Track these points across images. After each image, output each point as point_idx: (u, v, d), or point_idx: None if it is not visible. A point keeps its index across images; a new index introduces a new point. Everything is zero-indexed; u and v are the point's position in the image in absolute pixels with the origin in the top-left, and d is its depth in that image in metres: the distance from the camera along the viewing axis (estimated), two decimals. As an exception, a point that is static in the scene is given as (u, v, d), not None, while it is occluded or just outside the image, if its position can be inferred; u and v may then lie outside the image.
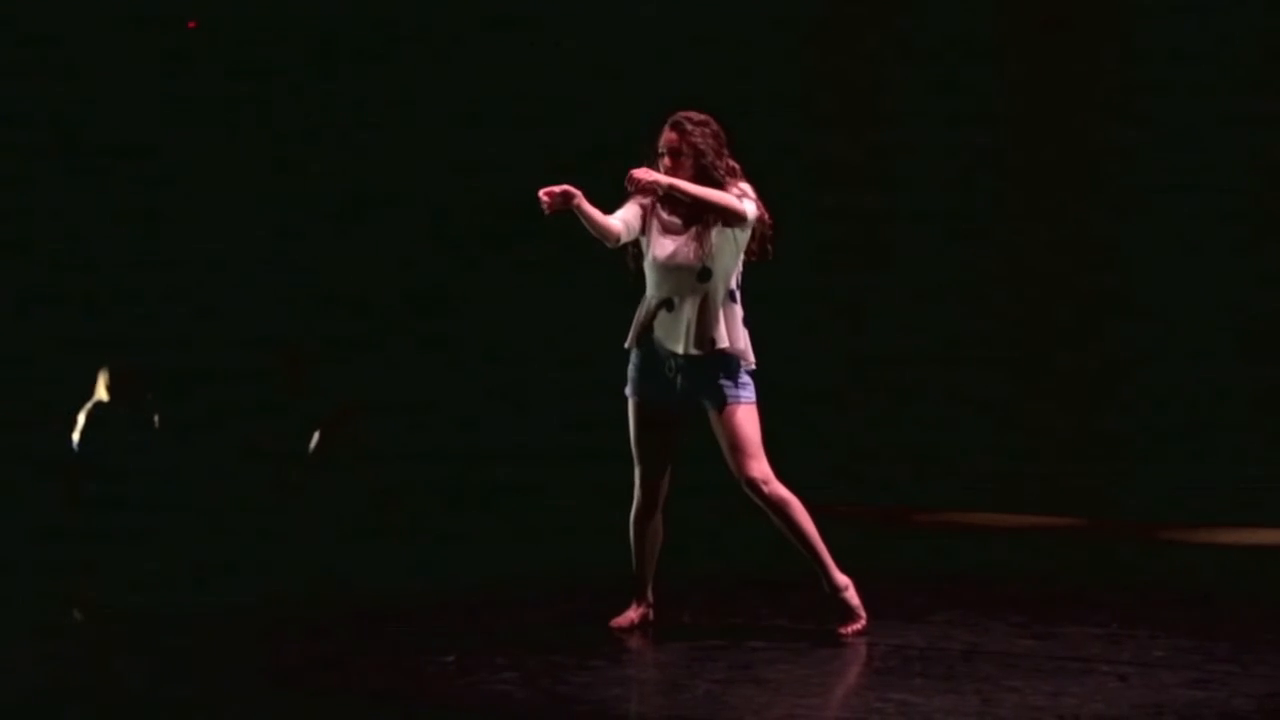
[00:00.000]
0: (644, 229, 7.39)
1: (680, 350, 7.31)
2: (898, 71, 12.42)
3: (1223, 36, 11.58)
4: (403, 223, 13.05)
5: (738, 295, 7.37)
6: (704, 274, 7.31)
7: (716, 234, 7.30)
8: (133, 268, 12.73)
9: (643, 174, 7.21)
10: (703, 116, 7.38)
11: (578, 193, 7.20)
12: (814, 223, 12.32)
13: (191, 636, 7.58)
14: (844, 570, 7.47)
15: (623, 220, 7.37)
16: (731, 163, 7.39)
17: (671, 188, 7.23)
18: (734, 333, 7.33)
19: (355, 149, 13.03)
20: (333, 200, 13.10)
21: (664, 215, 7.37)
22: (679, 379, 7.35)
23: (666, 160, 7.34)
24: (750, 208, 7.28)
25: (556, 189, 7.18)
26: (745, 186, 7.35)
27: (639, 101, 12.15)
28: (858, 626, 7.42)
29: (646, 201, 7.38)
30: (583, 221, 7.27)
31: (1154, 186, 11.76)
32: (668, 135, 7.36)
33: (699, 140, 7.31)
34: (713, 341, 7.29)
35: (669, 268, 7.33)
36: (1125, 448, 11.80)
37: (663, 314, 7.36)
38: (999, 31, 12.19)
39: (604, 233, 7.31)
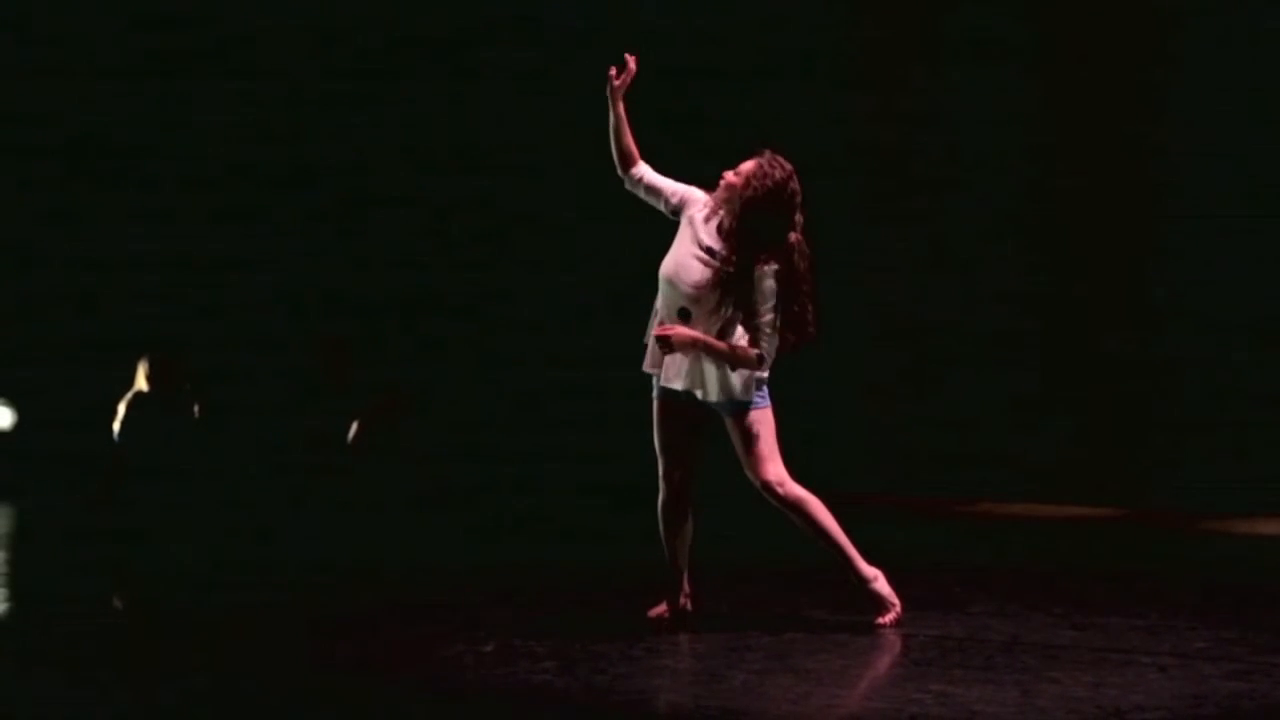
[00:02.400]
0: (677, 225, 7.33)
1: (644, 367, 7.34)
2: (930, 70, 12.40)
3: (1261, 36, 11.53)
4: (419, 222, 13.08)
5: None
6: (683, 313, 7.24)
7: (720, 290, 7.14)
8: (159, 266, 12.79)
9: (671, 333, 7.15)
10: (769, 171, 7.14)
11: (620, 93, 7.28)
12: (851, 220, 12.33)
13: (227, 631, 7.59)
14: (876, 561, 7.45)
15: (655, 181, 7.34)
16: (794, 235, 7.15)
17: (694, 343, 7.15)
18: (700, 376, 7.24)
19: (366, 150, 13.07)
20: (349, 200, 13.14)
21: (699, 231, 7.23)
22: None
23: (721, 190, 7.25)
24: (762, 372, 7.21)
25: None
26: (768, 283, 7.18)
27: (655, 105, 12.27)
28: (893, 616, 7.41)
29: (699, 211, 7.27)
30: (611, 120, 7.33)
31: (1191, 180, 11.71)
32: (734, 177, 7.18)
33: (750, 195, 7.11)
34: (667, 377, 7.27)
35: (664, 280, 7.26)
36: (1166, 439, 11.75)
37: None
38: (1036, 31, 12.16)
39: (622, 152, 7.35)
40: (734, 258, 7.15)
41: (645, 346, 7.37)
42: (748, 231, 7.14)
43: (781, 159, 7.22)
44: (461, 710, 6.20)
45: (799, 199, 7.19)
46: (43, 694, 6.39)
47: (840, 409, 12.09)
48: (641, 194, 7.43)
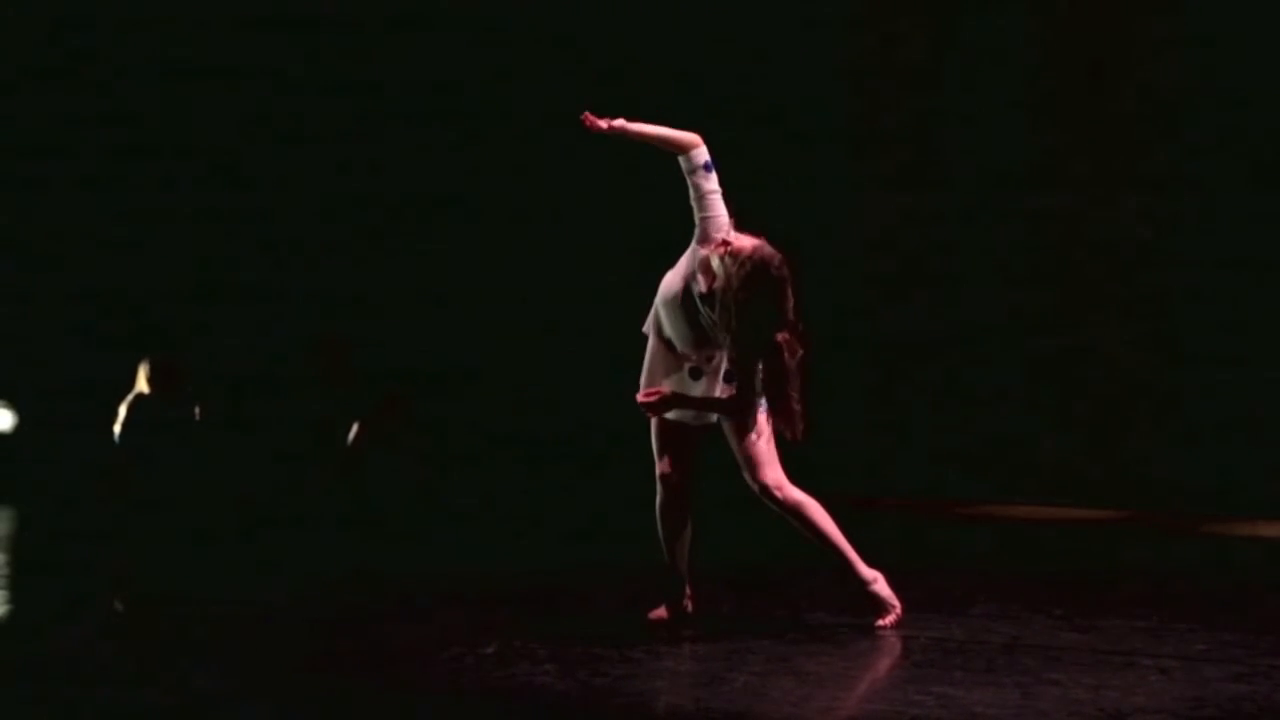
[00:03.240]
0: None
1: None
2: (938, 65, 12.40)
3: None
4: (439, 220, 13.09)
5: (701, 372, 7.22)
6: (669, 342, 7.20)
7: (707, 323, 7.10)
8: (168, 266, 12.80)
9: (655, 402, 7.14)
10: (756, 278, 6.93)
11: (615, 130, 7.17)
12: (860, 219, 12.34)
13: (230, 630, 7.59)
14: (876, 564, 7.45)
15: (695, 190, 7.12)
16: (782, 335, 7.00)
17: (677, 403, 7.16)
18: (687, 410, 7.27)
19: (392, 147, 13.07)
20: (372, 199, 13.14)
21: (697, 281, 7.11)
22: None
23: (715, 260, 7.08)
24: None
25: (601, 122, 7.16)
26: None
27: (674, 103, 12.30)
28: (893, 618, 7.39)
29: (703, 252, 7.11)
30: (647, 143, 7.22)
31: (1194, 178, 11.70)
32: (730, 262, 7.00)
33: (738, 298, 6.96)
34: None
35: (660, 300, 7.20)
36: (1168, 441, 11.74)
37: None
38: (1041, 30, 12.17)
39: (676, 146, 7.16)
40: (727, 339, 7.05)
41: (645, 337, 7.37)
42: (737, 336, 7.01)
43: (773, 254, 6.99)
44: (461, 712, 6.19)
45: (790, 292, 7.00)
46: (44, 695, 6.39)
47: (840, 411, 12.08)
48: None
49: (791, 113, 12.38)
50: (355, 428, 11.78)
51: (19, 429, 12.68)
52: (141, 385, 11.33)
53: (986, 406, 12.07)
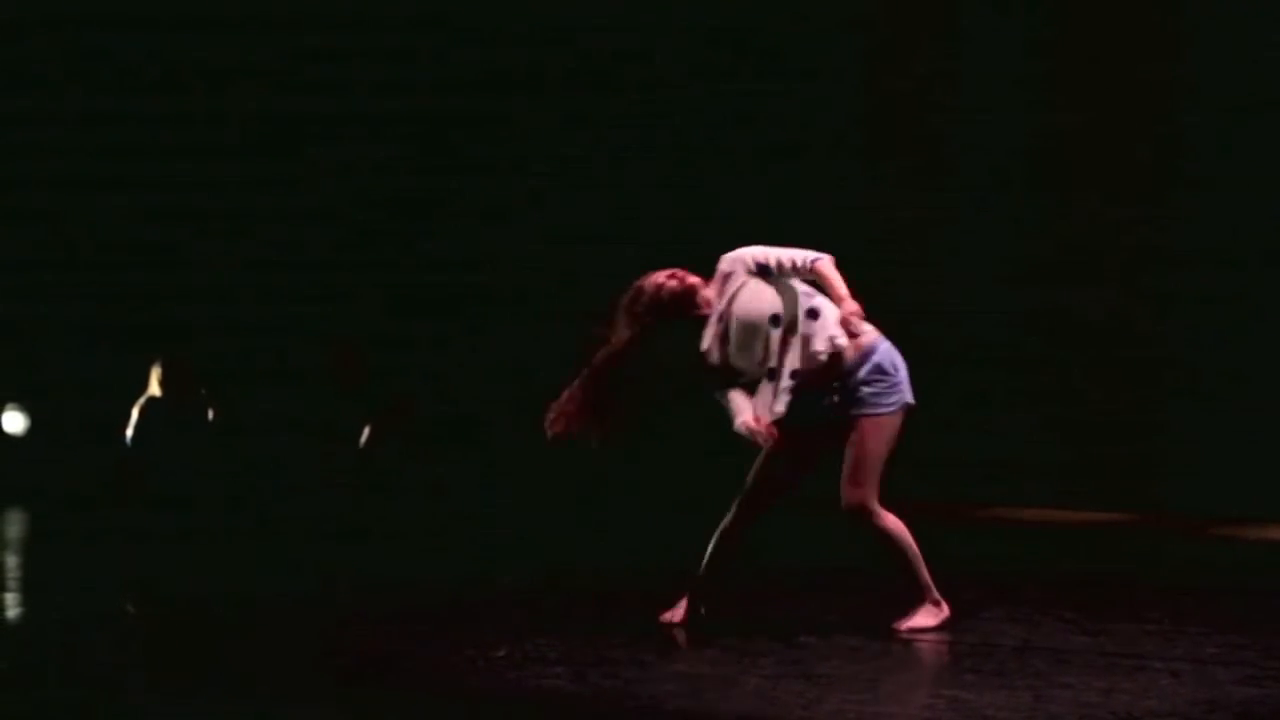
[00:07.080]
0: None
1: None
2: (950, 67, 12.40)
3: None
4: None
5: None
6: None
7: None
8: (180, 265, 12.82)
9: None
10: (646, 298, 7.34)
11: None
12: (866, 217, 12.33)
13: (240, 631, 7.60)
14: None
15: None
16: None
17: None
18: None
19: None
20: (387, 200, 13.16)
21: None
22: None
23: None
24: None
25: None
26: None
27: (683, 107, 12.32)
28: (919, 623, 7.38)
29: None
30: None
31: (1197, 177, 11.70)
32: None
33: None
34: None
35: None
36: (1179, 443, 11.73)
37: None
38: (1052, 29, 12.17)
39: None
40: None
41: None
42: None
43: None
44: (472, 715, 6.20)
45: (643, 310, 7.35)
46: (52, 697, 6.40)
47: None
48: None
49: (797, 113, 12.38)
50: (366, 430, 11.79)
51: (31, 432, 12.70)
52: (154, 388, 11.34)
53: (994, 408, 12.05)
